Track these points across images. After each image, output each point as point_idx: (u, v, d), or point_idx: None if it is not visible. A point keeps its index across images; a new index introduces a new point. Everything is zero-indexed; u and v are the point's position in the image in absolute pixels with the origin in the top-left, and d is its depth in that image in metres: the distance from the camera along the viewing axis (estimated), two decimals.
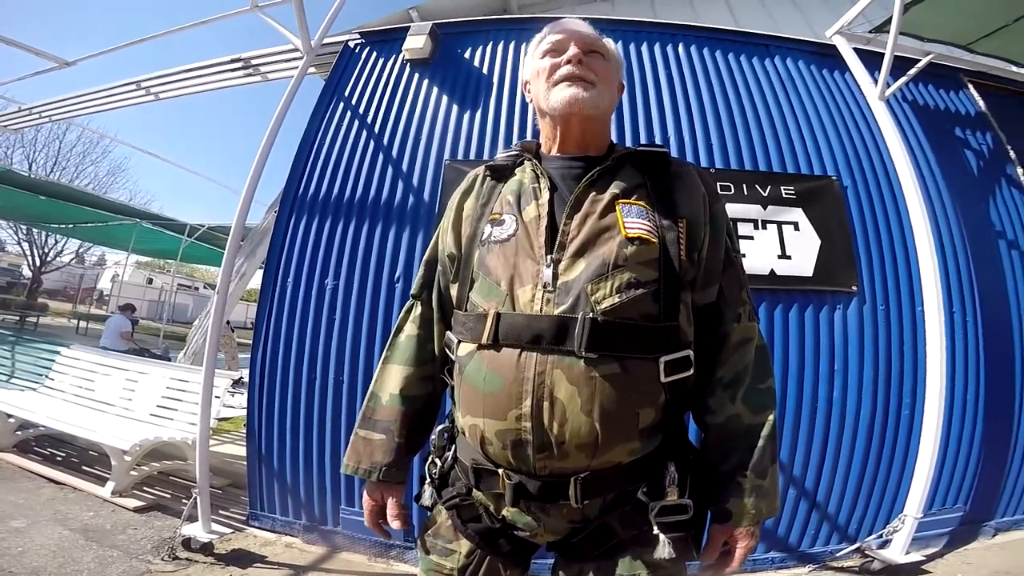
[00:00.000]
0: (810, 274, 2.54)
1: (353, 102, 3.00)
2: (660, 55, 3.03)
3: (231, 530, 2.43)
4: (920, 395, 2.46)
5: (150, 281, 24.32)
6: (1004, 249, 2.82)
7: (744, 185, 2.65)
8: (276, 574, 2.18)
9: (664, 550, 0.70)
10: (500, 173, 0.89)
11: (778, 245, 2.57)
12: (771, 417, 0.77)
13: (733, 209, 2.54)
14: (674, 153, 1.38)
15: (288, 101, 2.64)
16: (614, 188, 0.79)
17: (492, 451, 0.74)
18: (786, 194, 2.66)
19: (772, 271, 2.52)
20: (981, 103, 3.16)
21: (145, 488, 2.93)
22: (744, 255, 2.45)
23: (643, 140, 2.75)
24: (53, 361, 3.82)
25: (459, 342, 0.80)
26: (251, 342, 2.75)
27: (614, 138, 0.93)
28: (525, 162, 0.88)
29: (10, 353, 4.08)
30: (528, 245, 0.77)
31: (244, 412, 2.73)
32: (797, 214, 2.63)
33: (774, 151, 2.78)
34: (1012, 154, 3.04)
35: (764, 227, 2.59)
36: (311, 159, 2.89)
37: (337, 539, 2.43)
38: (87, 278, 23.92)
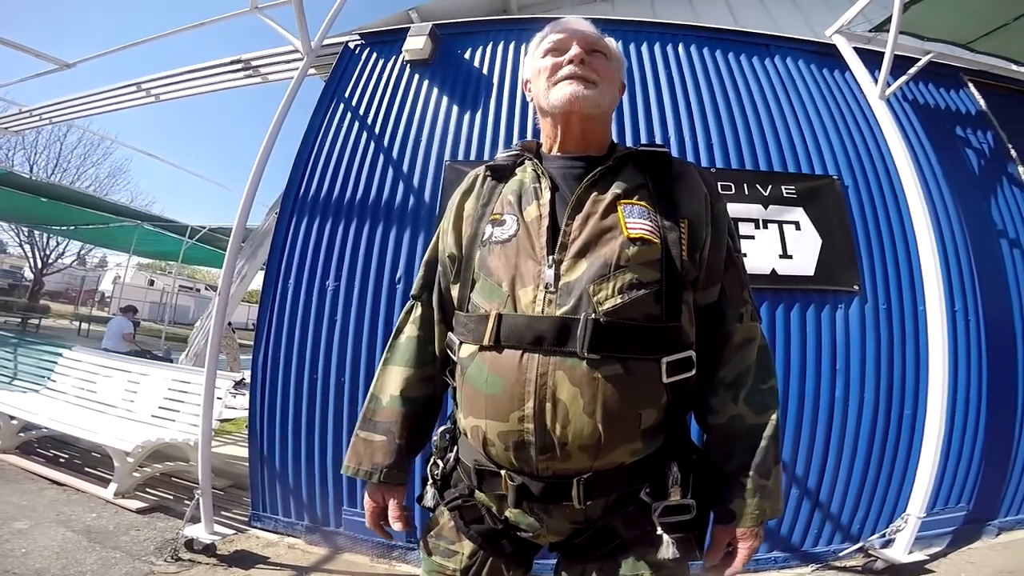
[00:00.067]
0: (811, 273, 2.54)
1: (353, 103, 3.00)
2: (660, 55, 3.03)
3: (233, 531, 2.44)
4: (922, 394, 2.46)
5: (151, 283, 24.37)
6: (1006, 248, 2.82)
7: (745, 185, 2.65)
8: (278, 575, 2.19)
9: (667, 550, 0.70)
10: (501, 173, 0.89)
11: (779, 245, 2.56)
12: (774, 417, 0.77)
13: (734, 209, 2.54)
14: (674, 153, 1.37)
15: (288, 102, 2.65)
16: (616, 188, 0.79)
17: (494, 452, 0.74)
18: (787, 193, 2.65)
19: (773, 271, 2.52)
20: (982, 102, 3.16)
21: (148, 489, 2.94)
22: (745, 255, 2.45)
23: (643, 140, 2.75)
24: (55, 363, 3.82)
25: (460, 343, 0.80)
26: (252, 343, 2.75)
27: (614, 138, 0.93)
28: (526, 162, 0.87)
29: (12, 355, 4.09)
30: (529, 246, 0.76)
31: (246, 413, 2.73)
32: (798, 213, 2.62)
33: (775, 151, 2.78)
34: (1013, 153, 3.03)
35: (765, 227, 2.59)
36: (312, 160, 2.89)
37: (339, 540, 2.43)
38: (89, 280, 23.97)
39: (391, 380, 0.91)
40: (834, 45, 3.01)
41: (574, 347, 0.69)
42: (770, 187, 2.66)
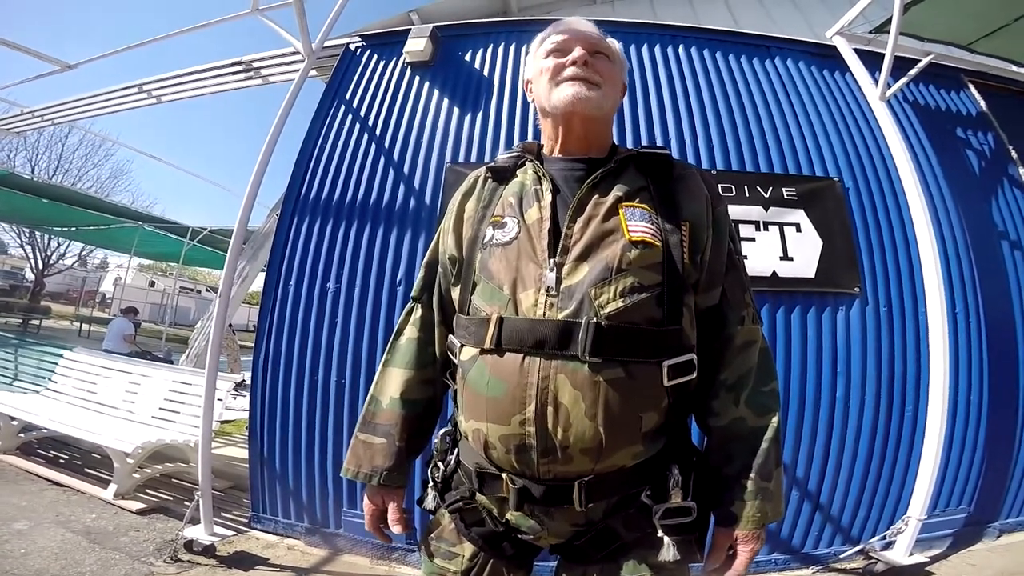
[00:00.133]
0: (812, 275, 2.54)
1: (354, 105, 3.00)
2: (660, 56, 3.03)
3: (233, 532, 2.43)
4: (923, 396, 2.46)
5: (152, 284, 24.42)
6: (1007, 249, 2.82)
7: (745, 186, 2.64)
8: None
9: (668, 552, 0.70)
10: (501, 175, 0.88)
11: (780, 247, 2.56)
12: (775, 420, 0.77)
13: (734, 211, 2.54)
14: (675, 154, 1.36)
15: (289, 104, 2.65)
16: (617, 191, 0.78)
17: (496, 455, 0.74)
18: (787, 195, 2.65)
19: (774, 273, 2.52)
20: (982, 103, 3.16)
21: (147, 490, 2.93)
22: (746, 257, 2.45)
23: (644, 141, 2.75)
24: (56, 364, 3.82)
25: (462, 346, 0.80)
26: (253, 345, 2.75)
27: (614, 139, 0.93)
28: (526, 163, 0.87)
29: (13, 356, 4.09)
30: (531, 248, 0.76)
31: (246, 415, 2.73)
32: (799, 215, 2.62)
33: (775, 152, 2.78)
34: (1014, 154, 3.03)
35: (766, 229, 2.59)
36: (313, 162, 2.90)
37: (339, 541, 2.43)
38: (90, 281, 23.98)
39: (391, 382, 0.91)
40: (834, 46, 3.01)
41: (576, 351, 0.69)
42: (771, 189, 2.66)
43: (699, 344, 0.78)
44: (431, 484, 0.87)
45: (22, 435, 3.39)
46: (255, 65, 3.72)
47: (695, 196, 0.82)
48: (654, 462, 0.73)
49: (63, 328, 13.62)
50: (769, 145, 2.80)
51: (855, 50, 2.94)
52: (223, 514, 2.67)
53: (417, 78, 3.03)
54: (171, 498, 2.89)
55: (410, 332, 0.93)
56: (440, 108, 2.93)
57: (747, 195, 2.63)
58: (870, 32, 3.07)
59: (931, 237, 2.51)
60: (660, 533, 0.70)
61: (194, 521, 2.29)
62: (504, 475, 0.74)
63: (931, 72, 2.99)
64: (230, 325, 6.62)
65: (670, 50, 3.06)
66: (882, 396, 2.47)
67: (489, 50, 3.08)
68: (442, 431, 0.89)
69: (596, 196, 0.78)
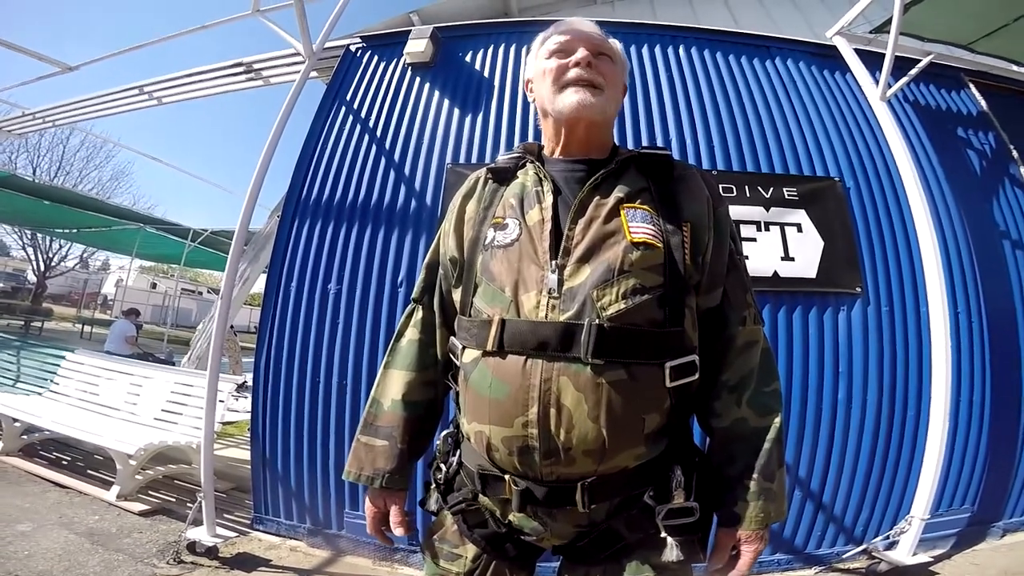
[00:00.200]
0: (813, 276, 2.53)
1: (355, 106, 3.01)
2: (660, 57, 3.03)
3: (236, 534, 2.44)
4: (926, 396, 2.45)
5: (154, 286, 24.47)
6: (1008, 249, 2.81)
7: (746, 187, 2.64)
8: None
9: (671, 553, 0.70)
10: (502, 176, 0.88)
11: (781, 247, 2.56)
12: (777, 420, 0.77)
13: (735, 211, 2.53)
14: (675, 155, 1.37)
15: (290, 105, 2.65)
16: (618, 192, 0.78)
17: (498, 457, 0.74)
18: (788, 196, 2.65)
19: (775, 273, 2.52)
20: (983, 103, 3.16)
21: (150, 492, 2.94)
22: (747, 257, 2.43)
23: (644, 142, 2.75)
24: (58, 366, 3.83)
25: (463, 348, 0.80)
26: (255, 346, 2.76)
27: (615, 140, 0.92)
28: (527, 164, 0.86)
29: (15, 358, 4.10)
30: (532, 250, 0.76)
31: (248, 416, 2.73)
32: (800, 216, 2.62)
33: (776, 153, 2.78)
34: (1015, 154, 3.03)
35: (767, 229, 2.58)
36: (314, 163, 2.90)
37: (342, 543, 2.43)
38: (91, 283, 24.02)
39: (392, 384, 0.91)
40: (834, 46, 3.01)
41: (578, 352, 0.69)
42: (771, 189, 2.65)
43: (701, 345, 0.78)
44: (433, 486, 0.87)
45: (25, 437, 3.40)
46: (256, 66, 3.72)
47: (696, 197, 0.82)
48: (657, 463, 0.73)
49: (65, 330, 13.63)
50: (770, 145, 2.79)
51: (855, 50, 2.94)
52: (225, 515, 2.67)
53: (418, 79, 3.03)
54: (173, 500, 2.89)
55: (411, 334, 0.93)
56: (441, 109, 2.93)
57: (748, 195, 2.63)
58: (870, 32, 3.07)
59: (932, 237, 2.50)
60: (663, 534, 0.70)
61: (197, 522, 2.29)
62: (507, 477, 0.74)
63: (931, 72, 2.99)
64: (232, 327, 6.63)
65: (670, 50, 3.06)
66: (884, 396, 2.46)
67: (489, 51, 3.08)
68: (444, 433, 0.89)
69: (597, 197, 0.78)
